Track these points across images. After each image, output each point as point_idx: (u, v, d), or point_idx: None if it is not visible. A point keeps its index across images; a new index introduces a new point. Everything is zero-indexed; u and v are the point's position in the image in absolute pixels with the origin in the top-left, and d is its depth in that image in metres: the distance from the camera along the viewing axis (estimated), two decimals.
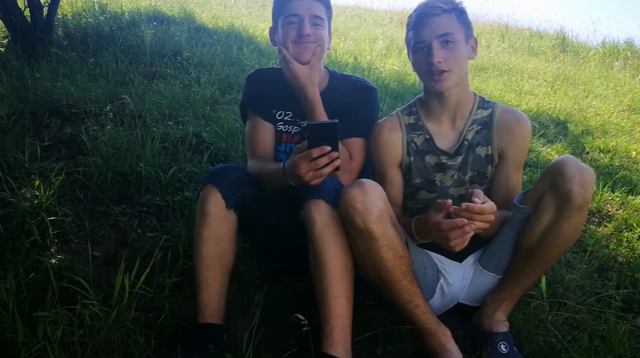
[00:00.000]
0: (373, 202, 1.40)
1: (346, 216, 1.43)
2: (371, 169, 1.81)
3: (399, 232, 1.52)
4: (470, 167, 1.69)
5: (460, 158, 1.68)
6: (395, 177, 1.73)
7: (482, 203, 1.38)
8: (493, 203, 1.40)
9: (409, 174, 1.72)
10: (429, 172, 1.71)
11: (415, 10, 1.61)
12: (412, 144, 1.71)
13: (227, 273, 1.63)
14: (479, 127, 1.68)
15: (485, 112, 1.69)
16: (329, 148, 1.39)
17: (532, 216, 1.55)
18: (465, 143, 1.68)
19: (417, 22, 1.58)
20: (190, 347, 1.53)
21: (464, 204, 1.36)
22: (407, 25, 1.65)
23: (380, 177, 1.74)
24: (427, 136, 1.70)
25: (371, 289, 1.70)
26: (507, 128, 1.66)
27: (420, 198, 1.74)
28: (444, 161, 1.69)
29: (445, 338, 1.56)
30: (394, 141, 1.71)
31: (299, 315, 1.47)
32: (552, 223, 1.50)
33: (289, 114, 1.83)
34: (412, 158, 1.71)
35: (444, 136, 1.69)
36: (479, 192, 1.41)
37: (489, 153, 1.68)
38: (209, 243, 1.59)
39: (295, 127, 1.83)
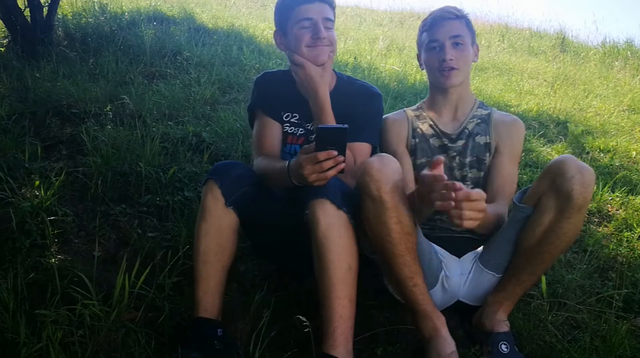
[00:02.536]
0: (389, 174, 1.43)
1: (362, 183, 1.45)
2: None
3: (410, 213, 1.53)
4: (470, 152, 1.82)
5: (461, 142, 1.83)
6: (404, 156, 1.84)
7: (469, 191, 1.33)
8: (480, 191, 1.36)
9: (414, 155, 1.86)
10: (433, 153, 1.83)
11: (430, 15, 1.82)
12: (418, 130, 1.88)
13: (224, 269, 1.63)
14: (479, 121, 1.86)
15: (484, 112, 1.89)
16: (335, 152, 1.41)
17: (532, 216, 1.56)
18: (466, 131, 1.84)
19: (433, 24, 1.79)
20: (186, 343, 1.53)
21: (457, 184, 1.31)
22: (422, 27, 1.85)
23: None
24: (431, 123, 1.88)
25: (372, 282, 1.71)
26: (504, 124, 1.85)
27: None
28: (446, 143, 1.84)
29: (440, 323, 1.56)
30: (400, 124, 1.89)
31: (301, 317, 1.47)
32: (553, 223, 1.51)
33: (295, 116, 1.84)
34: (417, 140, 1.86)
35: (445, 123, 1.87)
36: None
37: (488, 141, 1.83)
38: (206, 238, 1.60)
39: (301, 130, 1.84)
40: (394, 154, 1.79)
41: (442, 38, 1.75)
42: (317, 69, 1.71)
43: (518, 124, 1.85)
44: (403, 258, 1.51)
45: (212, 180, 1.61)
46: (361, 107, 1.80)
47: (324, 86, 1.71)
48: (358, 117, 1.75)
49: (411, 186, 1.77)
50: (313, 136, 1.80)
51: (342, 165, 1.42)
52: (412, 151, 1.86)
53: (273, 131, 1.83)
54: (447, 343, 1.53)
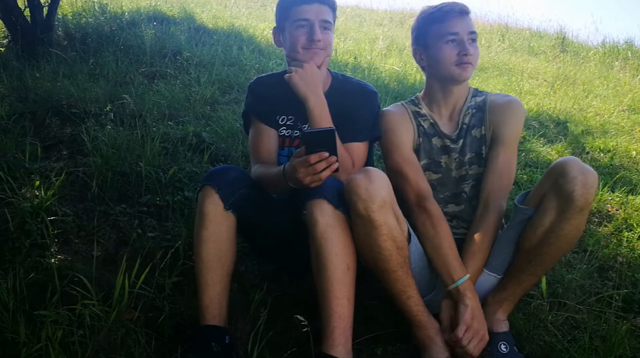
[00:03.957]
0: (376, 191, 1.42)
1: (349, 202, 1.45)
2: (385, 161, 1.83)
3: (401, 224, 1.53)
4: (469, 149, 1.78)
5: (461, 141, 1.79)
6: (415, 161, 1.77)
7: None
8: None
9: (417, 155, 1.80)
10: (435, 154, 1.80)
11: (439, 7, 1.74)
12: (421, 127, 1.82)
13: (227, 274, 1.62)
14: (474, 111, 1.81)
15: (479, 99, 1.83)
16: (326, 154, 1.41)
17: (533, 217, 1.57)
18: (464, 126, 1.80)
19: (449, 16, 1.71)
20: (191, 349, 1.53)
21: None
22: (428, 19, 1.75)
23: (401, 162, 1.75)
24: (432, 121, 1.83)
25: (370, 282, 1.72)
26: (499, 107, 1.78)
27: (426, 178, 1.78)
28: (448, 144, 1.80)
29: (435, 332, 1.58)
30: (406, 121, 1.81)
31: (299, 317, 1.47)
32: (554, 224, 1.50)
33: (291, 118, 1.84)
34: (421, 139, 1.81)
35: (445, 124, 1.83)
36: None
37: (483, 133, 1.78)
38: (208, 244, 1.59)
39: (296, 132, 1.84)
40: (406, 158, 1.75)
41: (462, 32, 1.69)
42: (317, 70, 1.71)
43: (514, 104, 1.76)
44: (395, 274, 1.51)
45: (209, 185, 1.60)
46: (357, 106, 1.79)
47: (321, 85, 1.71)
48: (354, 116, 1.75)
49: (424, 190, 1.72)
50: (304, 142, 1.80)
51: (336, 165, 1.43)
52: (416, 151, 1.80)
53: (269, 137, 1.82)
54: (442, 351, 1.56)
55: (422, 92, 1.88)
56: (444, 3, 1.75)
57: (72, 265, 1.85)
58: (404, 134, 1.78)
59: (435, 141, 1.80)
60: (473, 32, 1.72)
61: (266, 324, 1.61)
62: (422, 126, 1.81)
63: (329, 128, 1.43)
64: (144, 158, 2.45)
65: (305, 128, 1.80)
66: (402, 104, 1.87)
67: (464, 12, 1.72)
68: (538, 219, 1.54)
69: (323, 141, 1.41)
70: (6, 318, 1.50)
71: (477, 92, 1.84)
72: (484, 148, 1.78)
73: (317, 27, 1.69)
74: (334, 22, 1.78)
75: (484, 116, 1.78)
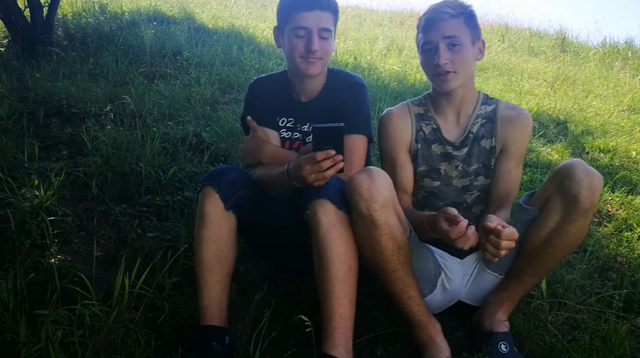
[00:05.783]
0: (378, 190, 1.42)
1: (351, 201, 1.45)
2: (380, 158, 1.83)
3: (403, 223, 1.53)
4: (475, 159, 1.74)
5: (465, 150, 1.74)
6: (405, 162, 1.76)
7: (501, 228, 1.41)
8: (513, 229, 1.42)
9: (415, 161, 1.78)
10: (434, 161, 1.76)
11: (425, 14, 1.68)
12: (421, 132, 1.77)
13: (227, 274, 1.63)
14: (484, 121, 1.75)
15: (489, 108, 1.76)
16: (333, 152, 1.41)
17: (538, 218, 1.57)
18: (471, 135, 1.74)
19: (426, 25, 1.65)
20: (192, 349, 1.53)
21: (488, 225, 1.42)
22: (417, 27, 1.71)
23: (390, 164, 1.77)
24: (435, 126, 1.76)
25: (371, 283, 1.72)
26: (509, 121, 1.73)
27: (425, 185, 1.78)
28: (450, 151, 1.75)
29: (435, 332, 1.58)
30: (403, 125, 1.77)
31: (302, 317, 1.47)
32: (558, 226, 1.51)
33: (291, 120, 1.83)
34: (419, 145, 1.76)
35: (450, 129, 1.76)
36: (492, 217, 1.46)
37: (493, 144, 1.74)
38: (208, 244, 1.59)
39: (296, 133, 1.83)
40: (394, 160, 1.76)
41: (436, 40, 1.61)
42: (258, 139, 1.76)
43: (524, 120, 1.72)
44: (396, 273, 1.51)
45: (209, 185, 1.60)
46: (349, 99, 1.76)
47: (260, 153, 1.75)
48: (346, 109, 1.73)
49: (409, 197, 1.76)
50: (309, 138, 1.80)
51: (341, 164, 1.43)
52: (414, 157, 1.77)
53: (270, 139, 1.82)
54: (442, 351, 1.56)
55: (431, 91, 1.81)
56: (433, 6, 1.67)
57: (72, 265, 1.85)
58: (396, 142, 1.76)
59: (436, 147, 1.75)
60: (451, 37, 1.61)
61: (267, 324, 1.61)
62: (423, 131, 1.76)
63: (339, 124, 1.43)
64: (144, 158, 2.45)
65: (305, 129, 1.81)
66: (407, 104, 1.81)
67: (439, 19, 1.61)
68: (542, 221, 1.54)
69: (332, 138, 1.42)
70: (6, 318, 1.50)
71: (487, 100, 1.77)
72: (493, 159, 1.74)
73: (315, 36, 1.66)
74: (335, 25, 1.74)
75: (494, 127, 1.73)
